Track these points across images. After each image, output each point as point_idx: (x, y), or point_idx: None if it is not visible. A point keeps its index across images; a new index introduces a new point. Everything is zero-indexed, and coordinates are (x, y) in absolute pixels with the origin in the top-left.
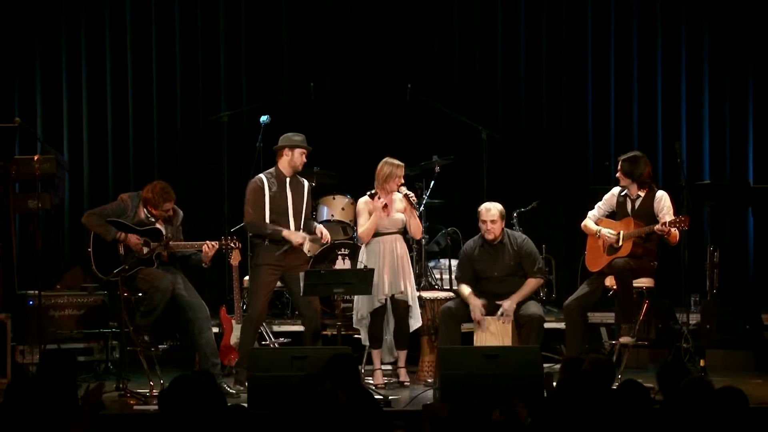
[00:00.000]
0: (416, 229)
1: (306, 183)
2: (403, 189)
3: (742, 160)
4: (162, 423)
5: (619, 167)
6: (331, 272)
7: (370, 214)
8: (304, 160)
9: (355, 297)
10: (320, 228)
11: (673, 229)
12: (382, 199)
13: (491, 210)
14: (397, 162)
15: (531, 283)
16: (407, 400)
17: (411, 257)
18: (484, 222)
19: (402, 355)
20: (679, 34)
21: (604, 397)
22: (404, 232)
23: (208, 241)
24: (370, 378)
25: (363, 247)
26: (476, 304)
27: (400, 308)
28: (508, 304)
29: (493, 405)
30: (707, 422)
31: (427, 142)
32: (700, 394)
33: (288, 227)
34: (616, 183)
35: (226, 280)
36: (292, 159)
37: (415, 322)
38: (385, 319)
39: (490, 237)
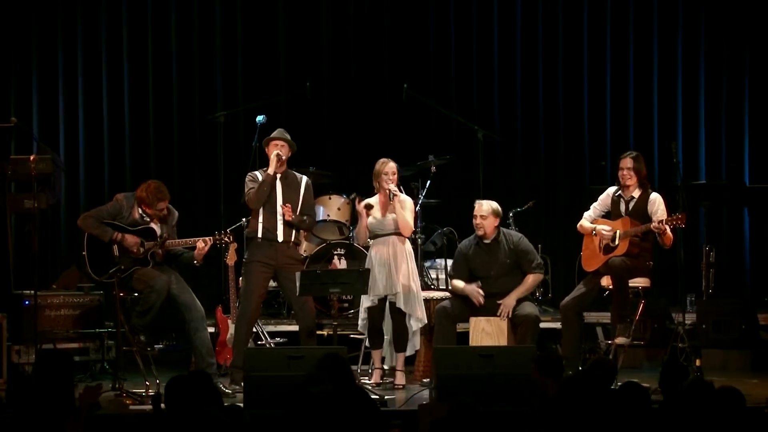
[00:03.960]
0: (402, 223)
1: (304, 179)
2: (391, 185)
3: (738, 159)
4: (159, 423)
5: (630, 165)
6: (327, 272)
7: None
8: (279, 152)
9: (362, 300)
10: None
11: (668, 229)
12: (362, 202)
13: (483, 206)
14: (383, 159)
15: (530, 279)
16: (403, 399)
17: None
18: (475, 217)
19: (400, 357)
20: (676, 33)
21: (604, 397)
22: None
23: (202, 238)
24: (366, 378)
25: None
26: (472, 289)
27: (395, 311)
28: (508, 301)
29: (489, 405)
30: (705, 422)
31: (423, 142)
32: (700, 395)
33: (276, 224)
34: (613, 183)
35: (222, 279)
36: (268, 153)
37: (416, 322)
38: (383, 319)
39: (480, 233)
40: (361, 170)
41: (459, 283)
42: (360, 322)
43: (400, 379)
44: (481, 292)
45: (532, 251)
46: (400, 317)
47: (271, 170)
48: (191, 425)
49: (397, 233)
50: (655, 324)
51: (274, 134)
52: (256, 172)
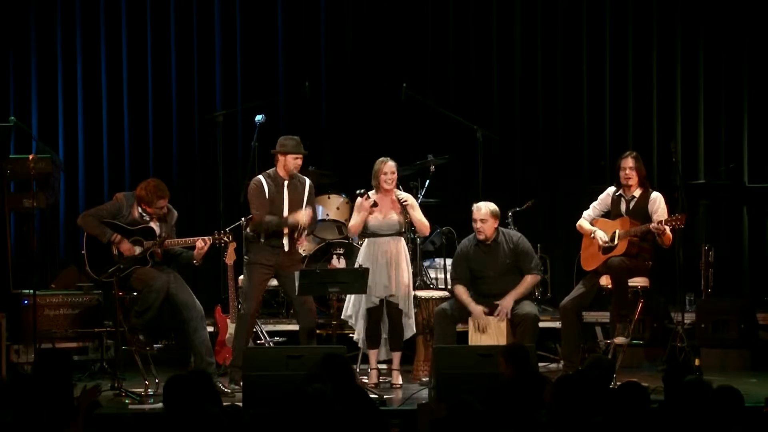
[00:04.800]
0: (419, 226)
1: (307, 182)
2: (398, 193)
3: (738, 159)
4: (158, 422)
5: (631, 164)
6: (326, 271)
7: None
8: (299, 163)
9: (350, 302)
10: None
11: (668, 229)
12: (370, 199)
13: (482, 209)
14: (382, 158)
15: (528, 280)
16: (402, 399)
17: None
18: (475, 221)
19: (396, 356)
20: (675, 33)
21: (603, 396)
22: (403, 233)
23: (201, 237)
24: (365, 377)
25: (361, 247)
26: (478, 313)
27: (394, 310)
28: (506, 302)
29: (489, 404)
30: (704, 422)
31: (422, 142)
32: (698, 394)
33: (282, 232)
34: (612, 182)
35: (221, 279)
36: (285, 164)
37: (409, 330)
38: (382, 319)
39: (480, 237)
40: (360, 170)
41: (463, 294)
42: (344, 312)
43: (397, 378)
44: (484, 318)
45: (531, 252)
46: (396, 317)
47: (302, 222)
48: (191, 425)
49: (398, 233)
50: (654, 323)
51: (290, 146)
52: (261, 178)
